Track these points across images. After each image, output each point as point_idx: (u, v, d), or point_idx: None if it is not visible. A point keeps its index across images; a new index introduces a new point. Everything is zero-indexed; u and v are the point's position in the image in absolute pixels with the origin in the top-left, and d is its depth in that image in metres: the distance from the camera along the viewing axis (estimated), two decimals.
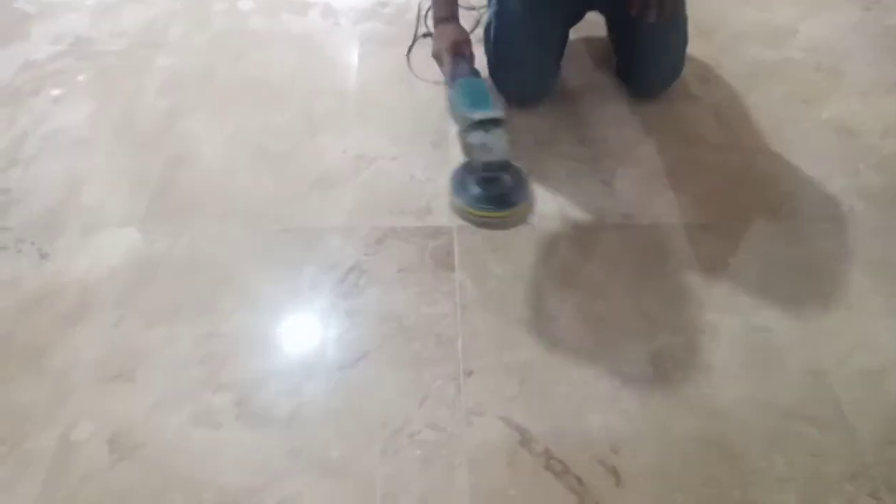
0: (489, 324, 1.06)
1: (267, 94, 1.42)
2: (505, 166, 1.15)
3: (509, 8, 1.32)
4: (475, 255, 1.15)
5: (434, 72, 1.38)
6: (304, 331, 1.05)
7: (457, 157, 1.31)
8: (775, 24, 1.67)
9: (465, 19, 1.59)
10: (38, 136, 1.32)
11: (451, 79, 1.24)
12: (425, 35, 1.52)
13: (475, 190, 1.19)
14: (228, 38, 1.57)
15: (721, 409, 0.96)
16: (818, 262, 1.16)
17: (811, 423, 0.95)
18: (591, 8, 1.45)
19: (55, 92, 1.41)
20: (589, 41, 1.55)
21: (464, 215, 1.19)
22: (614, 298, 1.09)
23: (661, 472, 0.90)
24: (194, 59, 1.50)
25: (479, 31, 1.54)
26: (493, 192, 1.19)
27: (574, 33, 1.48)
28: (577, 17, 1.45)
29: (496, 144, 1.12)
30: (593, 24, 1.50)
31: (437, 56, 1.30)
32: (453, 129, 1.37)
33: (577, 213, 1.22)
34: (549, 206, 1.23)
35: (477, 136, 1.12)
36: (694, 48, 1.48)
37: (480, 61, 1.38)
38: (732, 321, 1.07)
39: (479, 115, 1.13)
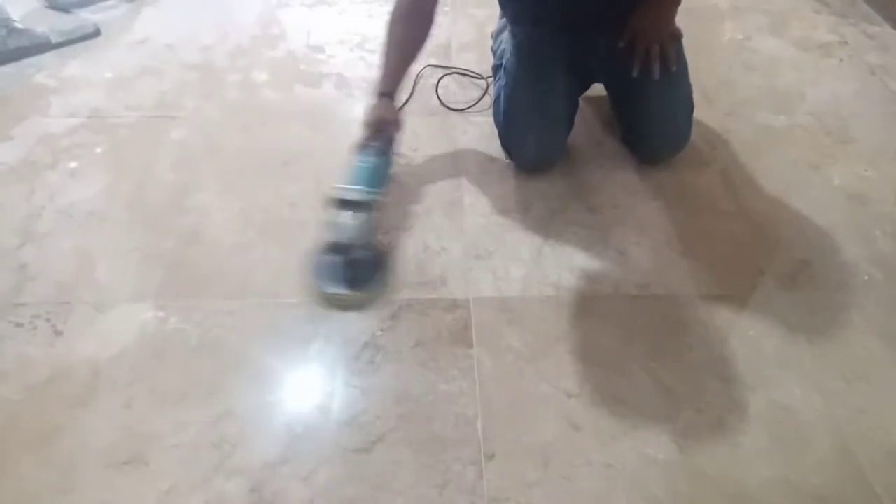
0: (508, 403, 1.03)
1: (279, 166, 1.44)
2: (344, 249, 1.14)
3: (517, 82, 1.35)
4: (492, 329, 1.13)
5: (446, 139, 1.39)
6: (318, 412, 1.03)
7: (472, 225, 1.32)
8: (781, 90, 1.69)
9: (472, 89, 1.63)
10: (53, 209, 1.32)
11: (357, 153, 1.25)
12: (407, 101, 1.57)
13: (331, 270, 1.18)
14: (242, 111, 1.59)
15: (751, 492, 0.93)
16: (837, 333, 1.14)
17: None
18: (595, 79, 1.48)
19: (72, 165, 1.43)
20: (595, 102, 1.58)
21: (322, 297, 1.17)
22: (635, 374, 1.07)
23: None
24: (207, 132, 1.53)
25: (487, 100, 1.57)
26: (348, 274, 1.16)
27: (582, 99, 1.50)
28: (584, 88, 1.48)
29: (343, 223, 1.13)
30: (600, 87, 1.53)
31: (364, 125, 1.30)
32: (467, 199, 1.38)
33: (593, 284, 1.21)
34: (564, 277, 1.22)
35: (331, 214, 1.15)
36: (700, 113, 1.51)
37: (487, 129, 1.40)
38: (757, 397, 1.04)
39: (339, 192, 1.15)
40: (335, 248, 1.15)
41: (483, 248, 1.28)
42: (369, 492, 0.93)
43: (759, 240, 1.30)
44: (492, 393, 1.04)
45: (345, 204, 1.15)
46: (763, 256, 1.27)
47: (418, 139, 1.52)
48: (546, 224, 1.32)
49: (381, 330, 1.13)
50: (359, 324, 1.14)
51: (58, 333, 1.11)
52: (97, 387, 1.04)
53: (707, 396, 1.04)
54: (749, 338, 1.13)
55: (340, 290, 1.15)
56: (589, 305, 1.18)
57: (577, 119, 1.47)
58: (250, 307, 1.16)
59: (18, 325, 1.12)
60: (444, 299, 1.18)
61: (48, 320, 1.12)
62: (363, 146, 1.25)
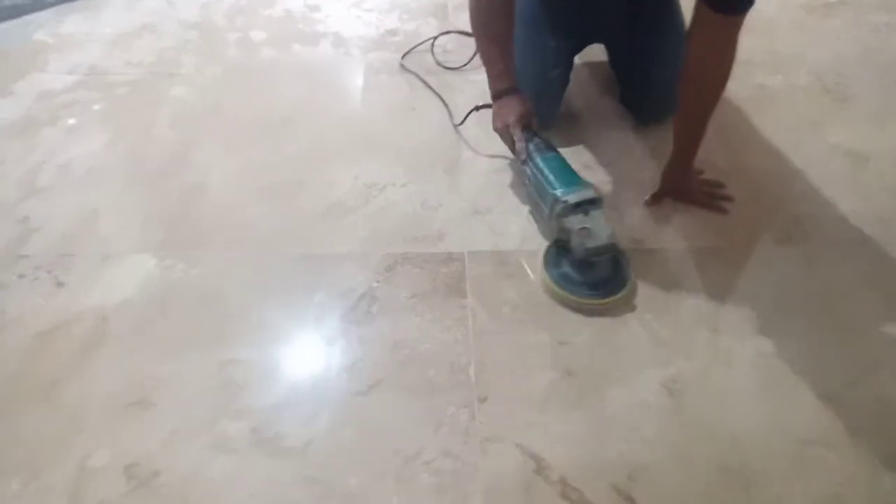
0: (503, 350, 1.06)
1: (278, 124, 1.44)
2: (609, 250, 1.09)
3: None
4: (487, 282, 1.15)
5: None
6: (317, 358, 1.05)
7: (469, 183, 1.33)
8: (780, 51, 1.69)
9: (469, 48, 1.61)
10: (53, 165, 1.34)
11: (527, 156, 1.18)
12: (479, 108, 1.38)
13: (573, 274, 1.12)
14: (240, 69, 1.60)
15: (739, 436, 0.96)
16: (831, 286, 1.15)
17: (829, 449, 0.94)
18: (594, 40, 1.47)
19: (70, 121, 1.43)
20: (593, 66, 1.58)
21: (560, 299, 1.11)
22: (628, 325, 1.09)
23: (678, 500, 0.90)
24: (206, 90, 1.53)
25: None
26: (592, 276, 1.11)
27: (579, 58, 1.50)
28: (580, 47, 1.47)
29: (598, 228, 1.07)
30: (599, 50, 1.52)
31: (501, 131, 1.25)
32: (465, 155, 1.39)
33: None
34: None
35: (576, 220, 1.07)
36: None
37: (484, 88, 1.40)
38: (746, 347, 1.06)
39: (573, 197, 1.08)
40: (596, 253, 1.08)
41: (481, 204, 1.29)
42: (367, 432, 0.96)
43: (756, 197, 1.31)
44: (486, 341, 1.06)
45: (583, 206, 1.08)
46: (759, 212, 1.28)
47: (416, 98, 1.52)
48: None
49: (378, 282, 1.15)
50: (356, 276, 1.16)
51: (60, 284, 1.13)
52: (103, 335, 1.06)
53: (698, 345, 1.07)
54: (742, 290, 1.14)
55: (615, 296, 1.11)
56: None
57: (575, 80, 1.47)
58: (251, 259, 1.18)
59: (21, 276, 1.14)
60: (440, 253, 1.20)
61: (50, 272, 1.14)
62: (528, 147, 1.19)
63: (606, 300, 1.10)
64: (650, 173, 1.35)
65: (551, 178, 1.13)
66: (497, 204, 1.29)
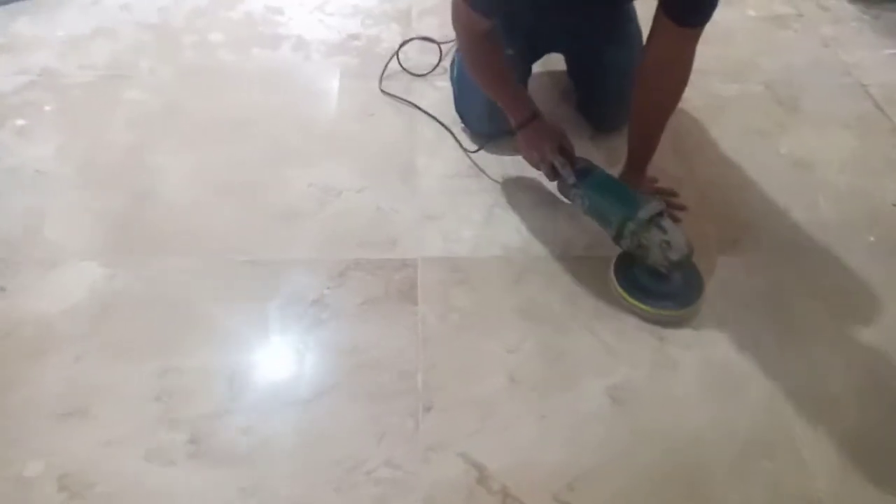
0: (451, 358, 1.06)
1: (234, 128, 1.43)
2: (690, 259, 1.07)
3: None
4: (439, 288, 1.15)
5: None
6: (264, 366, 1.04)
7: (425, 188, 1.32)
8: (735, 59, 1.71)
9: (432, 55, 1.62)
10: (1, 167, 1.31)
11: (576, 181, 1.17)
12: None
13: (649, 284, 1.12)
14: (197, 72, 1.58)
15: (682, 442, 0.97)
16: (777, 294, 1.17)
17: (769, 455, 0.96)
18: (552, 49, 1.48)
19: (19, 122, 1.41)
20: (552, 75, 1.59)
21: (636, 309, 1.12)
22: (576, 332, 1.10)
23: None
24: (162, 93, 1.51)
25: (445, 64, 1.57)
26: (669, 287, 1.12)
27: (538, 66, 1.51)
28: (537, 56, 1.48)
29: (676, 238, 1.05)
30: (557, 59, 1.54)
31: (537, 161, 1.24)
32: (421, 161, 1.39)
33: (543, 246, 1.23)
34: (514, 238, 1.25)
35: (654, 235, 1.06)
36: None
37: (446, 94, 1.40)
38: (693, 355, 1.08)
39: (644, 212, 1.07)
40: (682, 264, 1.07)
41: (435, 210, 1.29)
42: (310, 441, 0.95)
43: (706, 204, 1.33)
44: (435, 348, 1.07)
45: (654, 219, 1.07)
46: (708, 220, 1.30)
47: (376, 103, 1.52)
48: (498, 188, 1.34)
49: (329, 288, 1.15)
50: (308, 282, 1.15)
51: (1, 290, 1.10)
52: (45, 342, 1.04)
53: (643, 353, 1.08)
54: None
55: (677, 309, 1.11)
56: (536, 266, 1.20)
57: (534, 89, 1.47)
58: (200, 265, 1.17)
59: None
60: (393, 259, 1.20)
61: None
62: (574, 172, 1.18)
63: (685, 310, 1.12)
64: None
65: (612, 198, 1.13)
66: (450, 210, 1.29)
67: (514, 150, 1.31)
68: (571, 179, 1.18)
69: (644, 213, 1.07)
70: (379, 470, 0.92)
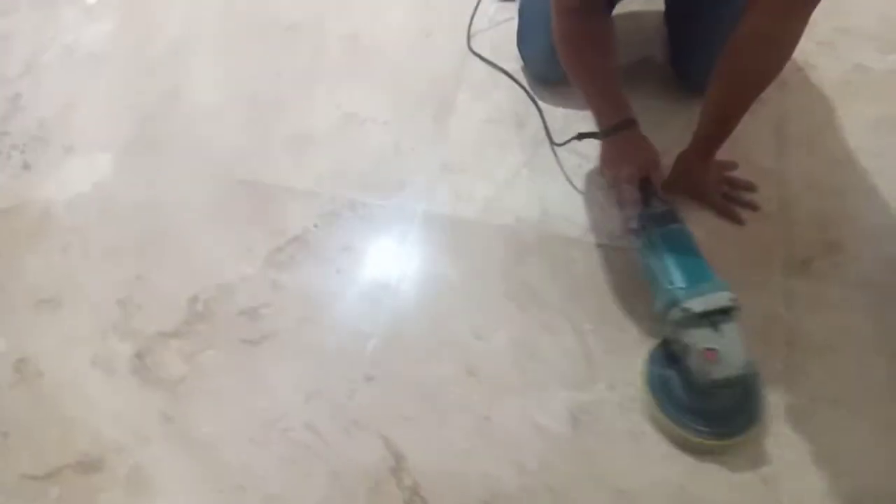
0: (414, 331, 0.97)
1: (281, 34, 1.35)
2: (742, 381, 0.80)
3: None
4: (429, 250, 1.05)
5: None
6: (223, 294, 1.02)
7: (456, 131, 1.18)
8: None
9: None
10: (60, 44, 1.35)
11: (642, 225, 0.93)
12: (583, 136, 1.06)
13: (684, 397, 0.84)
14: None
15: (631, 491, 0.83)
16: (833, 340, 0.93)
17: None
18: None
19: (90, 1, 1.43)
20: (639, 17, 1.31)
21: (666, 429, 0.85)
22: (562, 332, 0.95)
23: None
24: None
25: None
26: (710, 405, 0.83)
27: (622, 6, 1.25)
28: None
29: (729, 351, 0.78)
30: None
31: (612, 181, 1.04)
32: (462, 99, 1.24)
33: (561, 224, 1.07)
34: (531, 209, 1.08)
35: (700, 337, 0.79)
36: None
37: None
38: None
39: (700, 303, 0.79)
40: (722, 385, 0.79)
41: (458, 159, 1.15)
42: (241, 383, 0.93)
43: (789, 209, 1.07)
44: (399, 317, 0.98)
45: (712, 316, 0.79)
46: (783, 229, 1.04)
47: (432, 25, 1.35)
48: (536, 145, 1.16)
49: (316, 226, 1.08)
50: (296, 215, 1.09)
51: (26, 167, 1.16)
52: (44, 226, 1.10)
53: (629, 376, 0.91)
54: None
55: (735, 438, 0.83)
56: (546, 246, 1.04)
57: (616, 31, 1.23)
58: (203, 176, 1.15)
59: None
60: (391, 207, 1.10)
61: (23, 152, 1.18)
62: (644, 213, 0.93)
63: (722, 442, 0.83)
64: (671, 158, 1.13)
65: (672, 266, 0.85)
66: (475, 162, 1.15)
67: (570, 104, 1.11)
68: (635, 223, 0.94)
69: (699, 304, 0.79)
70: (297, 432, 0.89)
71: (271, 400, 0.91)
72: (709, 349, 0.78)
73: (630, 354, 0.93)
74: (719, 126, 1.02)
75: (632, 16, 1.31)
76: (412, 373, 0.93)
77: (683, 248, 0.88)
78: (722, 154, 1.07)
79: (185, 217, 1.10)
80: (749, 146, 1.14)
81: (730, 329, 0.79)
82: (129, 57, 1.33)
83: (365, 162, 1.16)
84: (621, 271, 1.00)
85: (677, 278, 0.83)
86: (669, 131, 1.14)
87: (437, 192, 1.11)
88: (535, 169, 1.13)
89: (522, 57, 1.25)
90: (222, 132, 1.20)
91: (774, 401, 0.87)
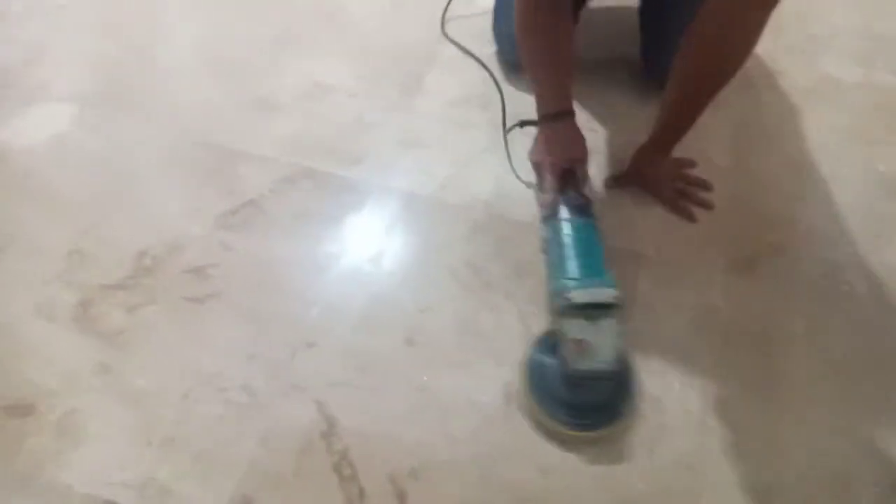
0: (356, 299, 0.97)
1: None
2: (606, 377, 0.81)
3: None
4: (379, 224, 1.05)
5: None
6: (170, 251, 1.02)
7: (422, 108, 1.19)
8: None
9: None
10: None
11: (551, 213, 0.94)
12: (523, 124, 1.11)
13: (556, 387, 0.85)
14: None
15: (550, 470, 0.84)
16: (766, 338, 0.95)
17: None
18: None
19: None
20: (615, 12, 1.32)
21: (531, 413, 0.87)
22: (505, 311, 0.96)
23: None
24: None
25: None
26: (580, 398, 0.84)
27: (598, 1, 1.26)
28: None
29: (601, 345, 0.79)
30: None
31: (536, 167, 1.04)
32: (430, 79, 1.24)
33: (514, 206, 1.08)
34: (487, 189, 1.09)
35: (575, 327, 0.80)
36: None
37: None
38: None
39: (582, 295, 0.80)
40: (586, 378, 0.81)
41: (420, 136, 1.16)
42: (182, 339, 0.93)
43: (740, 209, 1.08)
44: (345, 286, 0.98)
45: (591, 310, 0.80)
46: (732, 228, 1.06)
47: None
48: (500, 128, 1.17)
49: (271, 191, 1.08)
50: (252, 180, 1.09)
51: None
52: None
53: None
54: (654, 314, 0.97)
55: (590, 432, 0.84)
56: (497, 226, 1.05)
57: (587, 25, 1.24)
58: (163, 135, 1.14)
59: None
60: (348, 179, 1.10)
61: None
62: (559, 203, 0.94)
63: (587, 433, 0.84)
64: (631, 150, 1.14)
65: (568, 257, 0.87)
66: (437, 141, 1.15)
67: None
68: (547, 211, 0.96)
69: (581, 295, 0.80)
70: (233, 391, 0.89)
71: (210, 358, 0.92)
72: (579, 340, 0.79)
73: None
74: (675, 122, 1.03)
75: (608, 10, 1.32)
76: (353, 341, 0.93)
77: (585, 242, 0.90)
78: (682, 151, 1.09)
79: (141, 174, 1.09)
80: (708, 144, 1.16)
81: (607, 325, 0.80)
82: (99, 10, 1.32)
83: (326, 132, 1.16)
84: None
85: (570, 269, 0.86)
86: (635, 125, 1.15)
87: (396, 167, 1.12)
88: (497, 153, 1.14)
89: (495, 36, 1.26)
90: (187, 92, 1.20)
91: (704, 392, 0.89)
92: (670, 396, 0.89)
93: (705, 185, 1.11)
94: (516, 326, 0.95)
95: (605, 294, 0.80)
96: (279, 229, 1.04)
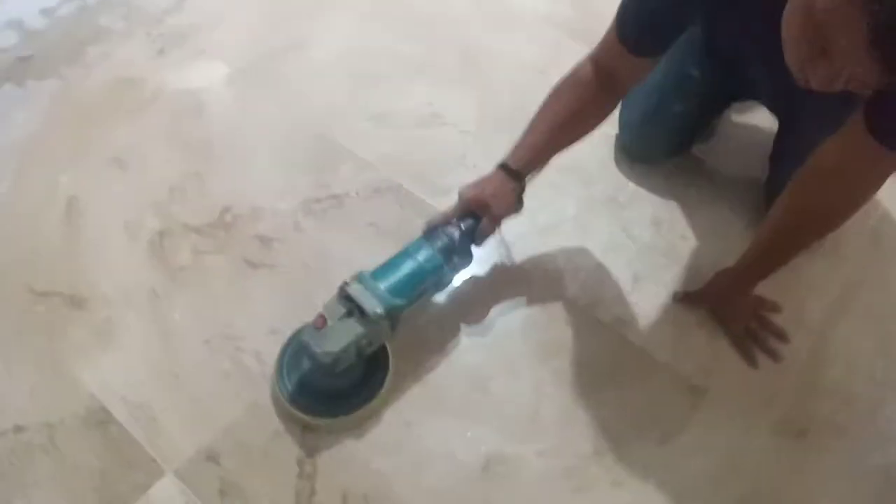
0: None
1: (414, 22, 1.42)
2: (320, 370, 0.83)
3: None
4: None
5: None
6: (251, 214, 1.10)
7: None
8: None
9: None
10: None
11: (425, 231, 0.93)
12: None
13: (300, 370, 0.89)
14: None
15: None
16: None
17: None
18: (753, 97, 1.13)
19: None
20: (757, 131, 1.26)
21: (271, 389, 0.90)
22: (520, 380, 0.94)
23: None
24: None
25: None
26: (317, 382, 0.88)
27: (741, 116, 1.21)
28: (725, 101, 1.16)
29: (336, 336, 0.80)
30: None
31: (458, 193, 0.97)
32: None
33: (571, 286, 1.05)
34: (546, 261, 1.08)
35: (331, 308, 0.82)
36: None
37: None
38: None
39: (356, 289, 0.82)
40: (308, 357, 0.84)
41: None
42: (225, 293, 1.02)
43: (810, 373, 0.98)
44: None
45: (354, 305, 0.82)
46: (798, 388, 0.96)
47: (551, 65, 1.37)
48: (593, 202, 1.14)
49: (358, 193, 1.14)
50: (348, 177, 1.16)
51: (161, 53, 1.33)
52: (146, 104, 1.25)
53: (564, 448, 0.88)
54: (680, 445, 0.90)
55: (317, 419, 0.88)
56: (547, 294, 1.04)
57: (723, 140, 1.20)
58: (287, 118, 1.25)
59: (148, 34, 1.36)
60: (429, 205, 1.13)
61: (165, 41, 1.35)
62: (434, 228, 0.93)
63: (302, 416, 0.87)
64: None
65: (393, 264, 0.88)
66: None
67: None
68: (428, 225, 0.94)
69: (356, 290, 0.82)
70: (246, 354, 0.95)
71: (241, 319, 0.98)
72: (323, 316, 0.81)
73: (579, 427, 0.90)
74: (762, 260, 0.96)
75: (753, 130, 1.26)
76: None
77: (417, 270, 0.87)
78: (779, 289, 1.01)
79: (256, 143, 1.20)
80: (808, 294, 1.07)
81: (351, 324, 0.80)
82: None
83: (428, 157, 1.20)
84: (604, 347, 0.97)
85: (381, 274, 0.86)
86: (730, 247, 1.08)
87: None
88: (579, 225, 1.12)
89: (619, 121, 1.24)
90: (321, 89, 1.30)
91: None
92: None
93: (782, 336, 1.01)
94: (530, 402, 0.92)
95: (371, 303, 0.81)
96: (349, 229, 1.10)
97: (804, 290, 1.06)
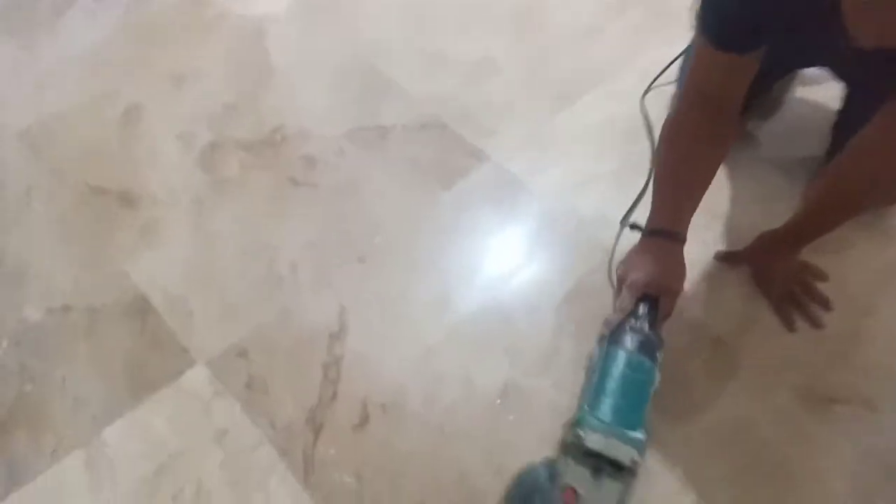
0: (415, 245, 1.01)
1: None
2: None
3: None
4: (482, 189, 1.07)
5: None
6: (299, 135, 1.13)
7: (564, 124, 1.18)
8: None
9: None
10: None
11: (611, 336, 0.81)
12: (633, 227, 0.98)
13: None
14: None
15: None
16: (805, 479, 0.83)
17: None
18: (820, 62, 1.02)
19: None
20: (808, 105, 1.21)
21: None
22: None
23: None
24: None
25: None
26: None
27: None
28: (787, 66, 1.08)
29: None
30: None
31: (620, 280, 0.87)
32: (586, 98, 1.23)
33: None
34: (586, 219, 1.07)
35: (574, 474, 0.71)
36: None
37: None
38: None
39: (596, 441, 0.70)
40: None
41: (547, 139, 1.16)
42: (267, 207, 1.04)
43: (846, 344, 0.95)
44: (412, 229, 1.03)
45: (600, 462, 0.70)
46: (831, 360, 0.93)
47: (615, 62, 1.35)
48: (633, 164, 1.13)
49: (404, 126, 1.15)
50: (396, 110, 1.17)
51: None
52: (211, 25, 1.29)
53: None
54: (691, 398, 0.89)
55: None
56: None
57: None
58: (343, 50, 1.27)
59: None
60: (472, 145, 1.13)
61: None
62: (618, 328, 0.81)
63: None
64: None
65: (608, 392, 0.76)
66: (562, 151, 1.15)
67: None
68: (606, 330, 0.83)
69: (595, 440, 0.70)
70: (281, 263, 0.98)
71: (279, 231, 1.01)
72: (574, 490, 0.69)
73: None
74: (813, 221, 0.94)
75: (803, 104, 1.21)
76: (396, 279, 0.98)
77: (632, 385, 0.76)
78: (820, 262, 0.98)
79: (310, 69, 1.23)
80: (851, 268, 1.03)
81: (611, 487, 0.69)
82: None
83: (477, 101, 1.21)
84: None
85: (601, 407, 0.74)
86: (779, 209, 1.04)
87: (515, 158, 1.13)
88: (617, 179, 1.11)
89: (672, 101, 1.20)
90: (379, 27, 1.31)
91: None
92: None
93: (825, 304, 0.98)
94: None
95: (623, 452, 0.69)
96: (390, 161, 1.11)
97: (849, 266, 1.02)
